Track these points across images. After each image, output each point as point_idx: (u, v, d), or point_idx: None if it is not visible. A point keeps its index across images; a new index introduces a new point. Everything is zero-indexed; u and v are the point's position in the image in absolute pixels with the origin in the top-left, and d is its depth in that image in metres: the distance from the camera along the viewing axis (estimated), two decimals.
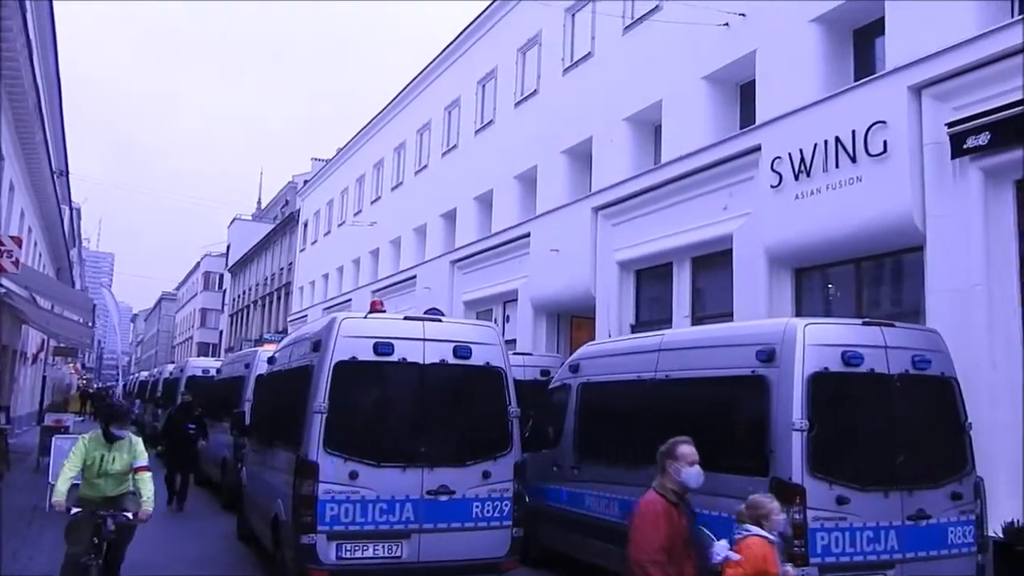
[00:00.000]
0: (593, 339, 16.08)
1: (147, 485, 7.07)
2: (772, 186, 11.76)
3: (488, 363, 7.91)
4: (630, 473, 8.32)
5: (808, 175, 11.13)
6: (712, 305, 13.67)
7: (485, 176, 22.65)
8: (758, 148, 12.25)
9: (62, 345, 38.80)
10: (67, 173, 27.73)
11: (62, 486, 6.88)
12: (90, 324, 14.92)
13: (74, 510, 6.90)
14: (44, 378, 38.56)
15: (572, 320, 19.10)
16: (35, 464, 18.63)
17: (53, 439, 14.15)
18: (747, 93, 14.09)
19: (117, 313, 15.72)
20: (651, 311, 15.62)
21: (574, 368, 10.08)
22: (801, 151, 11.23)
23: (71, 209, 36.75)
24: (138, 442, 7.27)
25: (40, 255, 27.26)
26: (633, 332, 15.46)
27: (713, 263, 13.72)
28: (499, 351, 8.05)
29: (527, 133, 20.56)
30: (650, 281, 15.75)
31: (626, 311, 15.94)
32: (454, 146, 25.11)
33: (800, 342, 6.59)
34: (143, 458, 7.18)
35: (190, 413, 14.86)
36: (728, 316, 12.17)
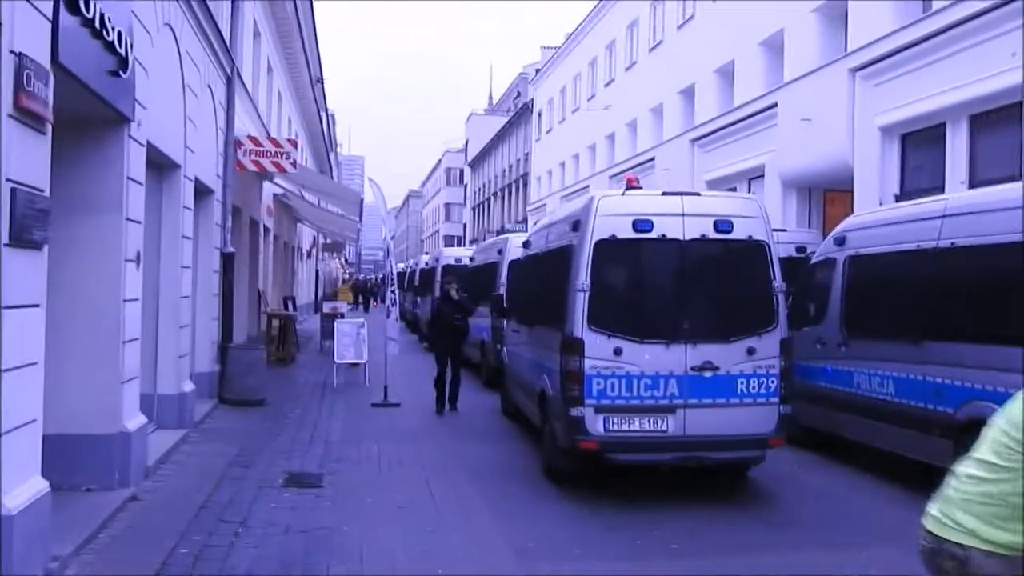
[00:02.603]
0: (850, 213, 15.02)
1: None
2: None
3: (751, 236, 7.57)
4: (908, 350, 7.81)
5: None
6: (994, 168, 12.14)
7: (726, 46, 21.38)
8: None
9: (329, 241, 42.73)
10: (323, 80, 29.72)
11: None
12: (357, 218, 16.12)
13: None
14: (317, 272, 42.76)
15: (825, 194, 17.94)
16: (319, 347, 20.95)
17: (336, 323, 15.70)
18: None
19: (384, 203, 16.71)
20: (919, 179, 14.21)
21: (840, 241, 9.44)
22: None
23: (327, 115, 39.59)
24: None
25: (306, 159, 29.73)
26: (897, 203, 14.23)
27: (995, 121, 12.16)
28: (762, 224, 7.66)
29: None
30: (918, 146, 14.29)
31: (889, 181, 14.64)
32: (690, 17, 23.86)
33: None
34: None
35: (453, 301, 12.96)
36: (1015, 180, 10.75)
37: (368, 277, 67.76)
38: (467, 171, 71.24)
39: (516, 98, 57.46)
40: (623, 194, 7.74)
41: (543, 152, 42.10)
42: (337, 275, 66.19)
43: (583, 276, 7.36)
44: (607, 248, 7.41)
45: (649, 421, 7.34)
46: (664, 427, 7.35)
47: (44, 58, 5.01)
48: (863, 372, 8.59)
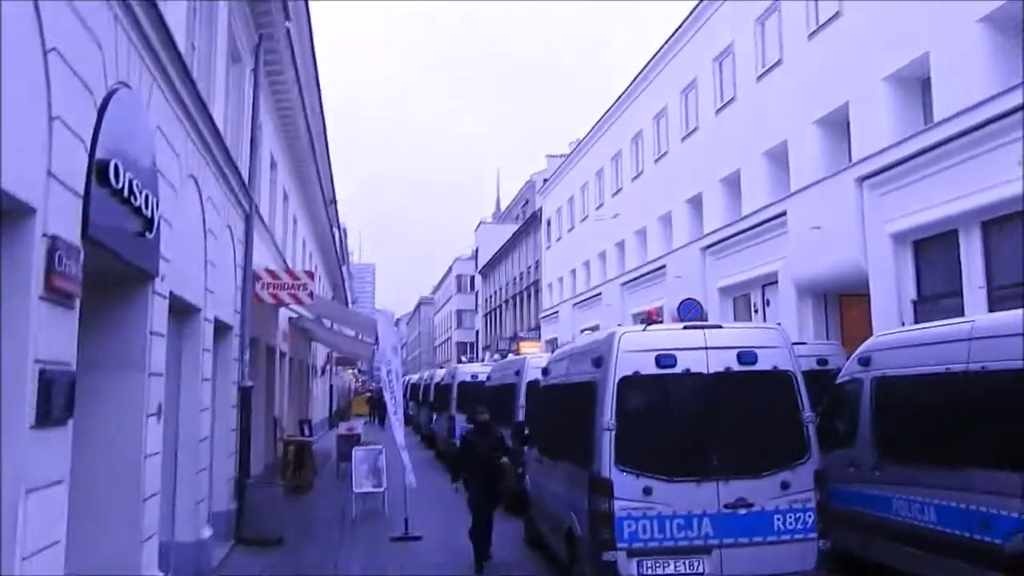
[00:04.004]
0: (868, 318, 14.97)
1: None
2: None
3: (776, 367, 7.51)
4: (947, 476, 7.58)
5: None
6: (1012, 274, 12.13)
7: (730, 157, 21.82)
8: None
9: (342, 356, 42.70)
10: (335, 201, 30.34)
11: None
12: (374, 342, 16.07)
13: None
14: (331, 386, 42.59)
15: (841, 299, 17.89)
16: (335, 469, 20.41)
17: (353, 451, 15.38)
18: None
19: (392, 332, 16.65)
20: (935, 284, 14.19)
21: (864, 361, 9.33)
22: None
23: (339, 230, 40.24)
24: None
25: (320, 277, 30.05)
26: (916, 308, 14.18)
27: (1009, 226, 12.19)
28: (786, 353, 7.61)
29: (773, 106, 19.54)
30: (931, 252, 14.30)
31: (905, 286, 14.62)
32: (694, 129, 24.44)
33: None
34: None
35: (490, 438, 11.00)
36: None
37: (381, 386, 67.33)
38: (478, 278, 71.82)
39: (524, 205, 58.46)
40: (644, 329, 7.71)
41: (554, 260, 42.48)
42: (351, 386, 65.93)
43: (608, 414, 7.27)
44: (631, 385, 7.34)
45: (685, 563, 7.10)
46: (701, 569, 7.10)
47: (75, 236, 5.09)
48: (901, 498, 8.32)
